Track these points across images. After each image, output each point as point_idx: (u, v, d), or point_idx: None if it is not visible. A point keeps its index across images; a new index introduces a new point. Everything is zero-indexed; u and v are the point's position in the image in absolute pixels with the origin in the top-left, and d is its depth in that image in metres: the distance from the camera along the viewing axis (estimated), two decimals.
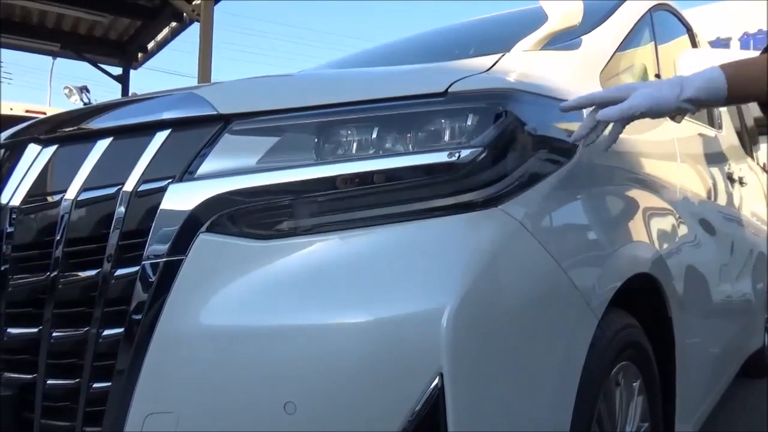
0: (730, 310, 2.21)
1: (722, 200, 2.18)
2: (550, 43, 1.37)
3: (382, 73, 1.20)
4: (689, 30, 2.25)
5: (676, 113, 1.08)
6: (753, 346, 2.71)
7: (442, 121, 0.97)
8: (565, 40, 1.43)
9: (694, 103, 1.02)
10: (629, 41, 1.64)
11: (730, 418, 2.52)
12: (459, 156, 0.91)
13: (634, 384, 1.29)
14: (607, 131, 1.09)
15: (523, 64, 1.17)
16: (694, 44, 2.26)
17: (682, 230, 1.61)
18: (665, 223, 1.50)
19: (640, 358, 1.29)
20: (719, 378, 2.03)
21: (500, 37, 1.87)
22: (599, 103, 1.05)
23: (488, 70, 1.09)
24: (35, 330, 1.01)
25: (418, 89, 0.99)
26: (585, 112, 1.10)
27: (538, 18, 1.41)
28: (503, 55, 1.19)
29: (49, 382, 0.99)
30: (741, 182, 2.51)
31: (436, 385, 0.82)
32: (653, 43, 1.84)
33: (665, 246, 1.44)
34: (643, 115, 1.01)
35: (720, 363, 2.01)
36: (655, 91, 1.01)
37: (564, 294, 1.02)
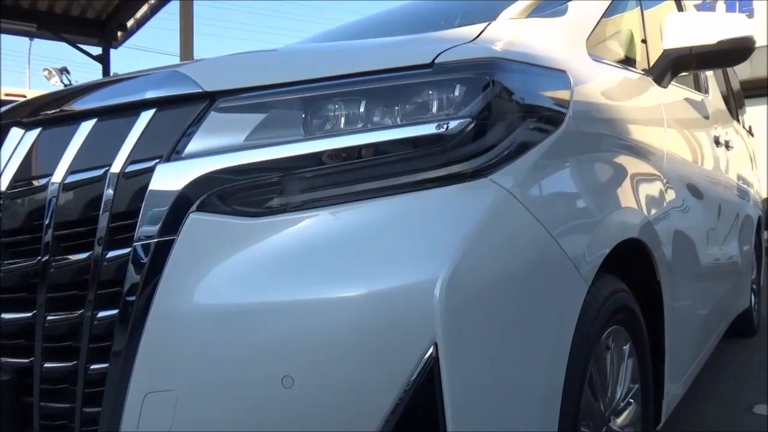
0: (718, 272, 2.25)
1: (709, 164, 2.20)
2: (536, 10, 1.36)
3: (368, 45, 1.19)
4: None
5: None
6: (740, 307, 2.77)
7: (430, 92, 0.96)
8: (551, 7, 1.42)
9: None
10: (615, 7, 1.63)
11: (719, 375, 2.59)
12: (447, 127, 0.91)
13: (625, 347, 1.32)
14: None
15: (510, 33, 1.16)
16: (680, 8, 2.25)
17: (670, 195, 1.63)
18: (653, 188, 1.52)
19: (629, 322, 1.32)
20: (707, 339, 2.07)
21: (485, 6, 1.85)
22: None
23: (474, 39, 1.09)
24: (29, 314, 1.01)
25: (404, 61, 0.98)
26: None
27: None
28: (489, 24, 1.18)
29: (46, 365, 0.99)
30: (727, 146, 2.53)
31: (431, 354, 0.83)
32: (639, 8, 1.83)
33: (653, 211, 1.46)
34: None
35: (708, 324, 2.06)
36: None
37: (555, 261, 1.03)
